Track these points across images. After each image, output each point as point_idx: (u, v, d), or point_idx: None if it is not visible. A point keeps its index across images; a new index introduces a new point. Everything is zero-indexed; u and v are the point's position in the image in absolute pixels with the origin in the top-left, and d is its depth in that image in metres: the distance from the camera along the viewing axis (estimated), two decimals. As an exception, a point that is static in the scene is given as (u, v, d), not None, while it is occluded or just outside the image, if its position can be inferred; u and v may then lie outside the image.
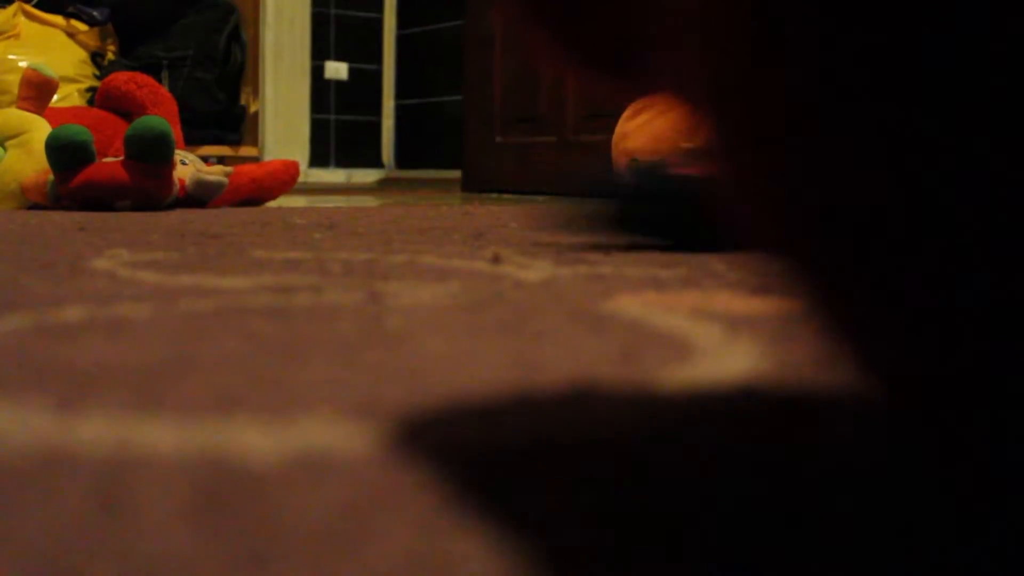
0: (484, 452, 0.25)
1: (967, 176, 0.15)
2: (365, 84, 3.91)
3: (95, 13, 2.56)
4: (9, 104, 1.69)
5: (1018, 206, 0.15)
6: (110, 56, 2.59)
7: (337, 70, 3.58)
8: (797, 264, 0.19)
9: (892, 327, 0.18)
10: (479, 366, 0.35)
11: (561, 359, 0.36)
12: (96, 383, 0.32)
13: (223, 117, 2.75)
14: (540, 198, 2.66)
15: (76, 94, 2.46)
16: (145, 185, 1.44)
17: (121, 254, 0.74)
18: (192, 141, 1.77)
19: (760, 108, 0.18)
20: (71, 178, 1.44)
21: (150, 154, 1.43)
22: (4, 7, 2.41)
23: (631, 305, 0.50)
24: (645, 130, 1.61)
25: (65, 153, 1.45)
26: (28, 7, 2.44)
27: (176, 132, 1.67)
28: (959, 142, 0.15)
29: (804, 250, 0.19)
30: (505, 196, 2.61)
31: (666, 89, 0.24)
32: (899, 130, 0.16)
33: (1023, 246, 0.15)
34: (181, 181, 1.50)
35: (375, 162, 4.01)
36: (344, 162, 3.68)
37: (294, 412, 0.28)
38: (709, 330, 0.42)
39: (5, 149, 1.54)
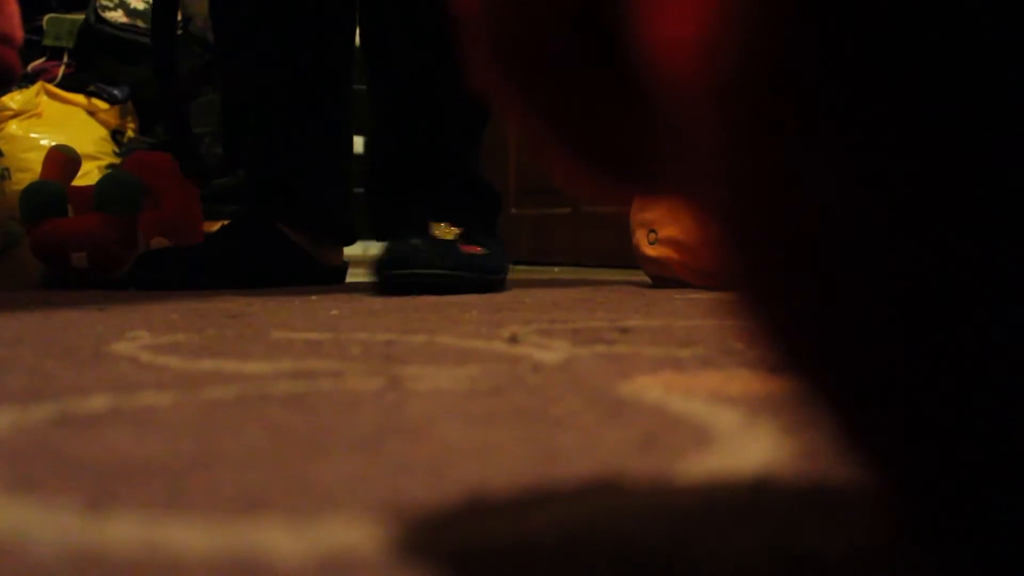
0: (507, 552, 0.25)
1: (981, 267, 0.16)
2: (381, 157, 3.92)
3: (115, 91, 2.60)
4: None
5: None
6: (130, 133, 2.63)
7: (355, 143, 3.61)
8: (801, 373, 0.19)
9: (893, 427, 0.18)
10: (500, 458, 0.35)
11: (581, 449, 0.37)
12: (123, 480, 0.32)
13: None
14: (556, 269, 2.67)
15: (96, 171, 2.49)
16: (107, 235, 1.48)
17: (142, 336, 0.75)
18: (212, 216, 1.78)
19: (776, 224, 0.18)
20: (38, 227, 1.49)
21: (116, 203, 1.49)
22: (27, 87, 2.46)
23: (649, 387, 0.51)
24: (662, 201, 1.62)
25: (37, 202, 1.50)
26: (51, 86, 2.49)
27: (196, 207, 1.69)
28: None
29: (808, 357, 0.19)
30: (520, 267, 2.62)
31: (677, 194, 0.25)
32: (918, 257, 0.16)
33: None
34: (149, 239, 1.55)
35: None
36: (364, 236, 3.69)
37: (318, 510, 0.28)
38: (728, 416, 0.42)
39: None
